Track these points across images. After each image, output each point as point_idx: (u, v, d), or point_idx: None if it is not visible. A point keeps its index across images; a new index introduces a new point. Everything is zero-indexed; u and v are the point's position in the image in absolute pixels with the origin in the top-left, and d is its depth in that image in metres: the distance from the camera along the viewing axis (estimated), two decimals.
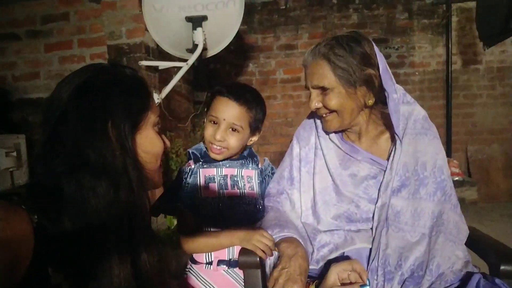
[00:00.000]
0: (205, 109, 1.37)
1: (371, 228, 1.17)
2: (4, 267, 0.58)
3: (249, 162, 1.38)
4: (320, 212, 1.23)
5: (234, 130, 1.27)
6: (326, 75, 1.12)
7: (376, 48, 1.14)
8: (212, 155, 1.30)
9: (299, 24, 4.38)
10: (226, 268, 1.27)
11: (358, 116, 1.18)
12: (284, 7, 4.38)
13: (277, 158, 4.50)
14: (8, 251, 0.59)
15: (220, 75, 4.40)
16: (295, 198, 1.32)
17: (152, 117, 0.85)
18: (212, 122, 1.28)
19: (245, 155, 1.38)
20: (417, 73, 4.42)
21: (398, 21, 4.39)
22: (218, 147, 1.28)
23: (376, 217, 1.14)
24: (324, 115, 1.18)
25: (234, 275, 1.27)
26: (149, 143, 0.84)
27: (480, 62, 4.41)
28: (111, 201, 0.72)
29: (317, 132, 1.31)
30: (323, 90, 1.14)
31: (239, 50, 4.31)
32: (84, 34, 2.75)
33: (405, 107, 1.17)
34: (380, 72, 1.12)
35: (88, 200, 0.70)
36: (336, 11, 4.38)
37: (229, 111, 1.25)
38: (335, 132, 1.28)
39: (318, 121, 1.30)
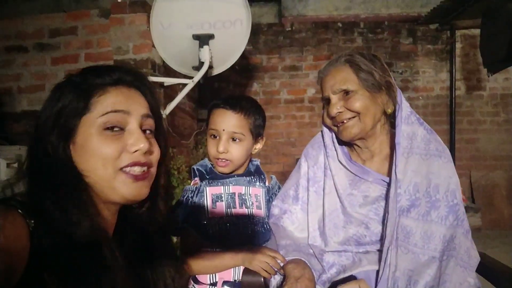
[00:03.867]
0: (206, 127, 1.36)
1: (379, 250, 1.14)
2: None
3: (256, 179, 1.35)
4: (328, 235, 1.20)
5: (235, 139, 1.25)
6: (349, 78, 1.14)
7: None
8: (219, 169, 1.28)
9: (304, 46, 4.42)
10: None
11: (376, 125, 1.17)
12: (289, 29, 4.43)
13: (280, 178, 4.45)
14: (3, 255, 0.58)
15: (224, 93, 4.41)
16: (299, 217, 1.29)
17: (97, 119, 0.76)
18: (213, 136, 1.27)
19: (251, 170, 1.35)
20: (420, 97, 4.44)
21: (402, 46, 4.43)
22: (223, 160, 1.25)
23: (385, 238, 1.11)
24: (345, 121, 1.15)
25: None
26: (90, 149, 0.75)
27: (483, 89, 4.43)
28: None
29: (325, 151, 1.28)
30: (346, 94, 1.14)
31: (244, 69, 4.34)
32: (92, 48, 2.77)
33: (409, 127, 1.15)
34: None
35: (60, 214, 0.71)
36: (341, 34, 4.43)
37: (227, 121, 1.24)
38: (349, 144, 1.25)
39: (327, 141, 1.28)
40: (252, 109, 1.28)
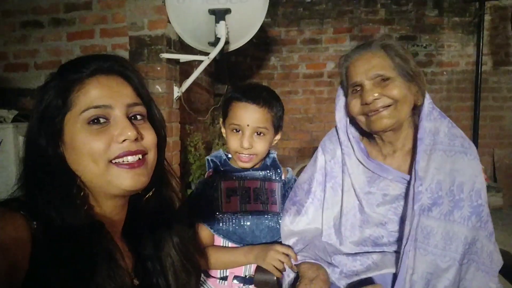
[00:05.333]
0: (221, 117, 1.31)
1: (397, 251, 1.10)
2: (0, 272, 0.57)
3: (272, 173, 1.31)
4: (344, 234, 1.17)
5: (259, 134, 1.22)
6: (386, 64, 1.09)
7: None
8: (242, 164, 1.25)
9: (324, 18, 4.26)
10: (242, 285, 1.21)
11: (407, 116, 1.12)
12: (309, 0, 4.27)
13: (296, 154, 4.44)
14: (4, 257, 0.58)
15: (241, 68, 4.34)
16: (310, 212, 1.24)
17: (80, 116, 0.73)
18: (235, 130, 1.22)
19: (268, 164, 1.32)
20: (445, 72, 4.27)
21: (427, 18, 4.23)
22: (247, 155, 1.22)
23: (404, 237, 1.06)
24: (380, 109, 1.08)
25: None
26: (77, 145, 0.73)
27: (511, 64, 4.23)
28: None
29: (341, 148, 1.22)
30: (383, 80, 1.08)
31: (262, 43, 4.24)
32: (106, 24, 2.72)
33: (431, 123, 1.09)
34: None
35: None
36: (363, 6, 4.25)
37: (251, 116, 1.20)
38: (369, 139, 1.20)
39: (342, 137, 1.22)
40: (273, 101, 1.25)
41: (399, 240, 1.10)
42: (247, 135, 1.20)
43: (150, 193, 0.85)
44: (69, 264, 0.64)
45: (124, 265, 0.77)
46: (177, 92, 2.73)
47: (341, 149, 1.22)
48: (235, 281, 1.22)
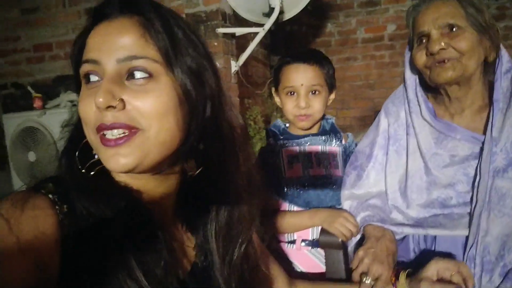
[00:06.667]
0: (273, 86, 1.32)
1: (468, 213, 1.05)
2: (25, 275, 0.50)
3: (332, 138, 1.31)
4: (410, 197, 1.13)
5: (314, 92, 1.24)
6: (457, 13, 1.02)
7: None
8: (300, 124, 1.27)
9: None
10: (310, 248, 1.24)
11: (476, 71, 1.04)
12: None
13: (358, 124, 4.31)
14: (25, 257, 0.51)
15: (297, 37, 4.24)
16: (371, 176, 1.23)
17: (80, 71, 0.62)
18: (289, 93, 1.25)
19: (327, 129, 1.32)
20: None
21: None
22: (304, 115, 1.24)
23: (476, 200, 1.01)
24: (445, 60, 1.02)
25: (318, 255, 1.24)
26: (78, 107, 0.62)
27: None
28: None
29: (409, 107, 1.17)
30: (451, 30, 1.01)
31: (317, 10, 4.09)
32: (162, 2, 2.76)
33: (507, 83, 1.02)
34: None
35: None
36: None
37: (304, 75, 1.22)
38: (436, 97, 1.15)
39: (410, 94, 1.17)
40: (323, 60, 1.27)
41: (470, 201, 1.05)
42: (302, 94, 1.22)
43: (192, 173, 0.70)
44: (99, 250, 0.56)
45: (179, 245, 0.70)
46: (234, 66, 2.75)
47: (409, 108, 1.16)
48: (303, 244, 1.25)
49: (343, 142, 1.34)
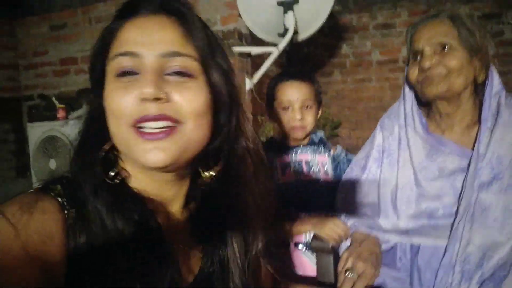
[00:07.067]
0: (268, 105, 1.45)
1: (452, 224, 1.10)
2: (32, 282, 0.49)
3: (321, 148, 1.43)
4: (400, 208, 1.19)
5: (307, 107, 1.36)
6: (450, 33, 1.09)
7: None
8: (295, 135, 1.38)
9: (398, 1, 4.09)
10: (304, 249, 1.32)
11: (464, 90, 1.10)
12: None
13: None
14: (32, 265, 0.50)
15: (313, 57, 4.33)
16: (364, 187, 1.30)
17: (110, 63, 0.61)
18: (285, 108, 1.37)
19: (316, 141, 1.42)
20: None
21: None
22: (300, 126, 1.36)
23: (460, 212, 1.07)
24: (435, 76, 1.08)
25: (312, 257, 1.31)
26: (105, 98, 0.61)
27: None
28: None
29: (405, 120, 1.23)
30: (443, 48, 1.08)
31: (333, 31, 4.19)
32: None
33: (495, 103, 1.09)
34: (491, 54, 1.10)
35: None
36: None
37: (299, 91, 1.35)
38: (429, 111, 1.20)
39: (407, 108, 1.23)
40: (313, 77, 1.43)
41: (455, 213, 1.10)
42: (297, 108, 1.35)
43: (207, 174, 0.71)
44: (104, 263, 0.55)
45: (184, 252, 0.68)
46: (249, 84, 2.83)
47: (404, 121, 1.23)
48: (297, 246, 1.33)
49: (332, 152, 1.45)
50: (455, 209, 1.10)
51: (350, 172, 1.34)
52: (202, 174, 0.71)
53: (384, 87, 4.20)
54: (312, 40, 2.91)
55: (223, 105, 0.67)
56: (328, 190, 1.37)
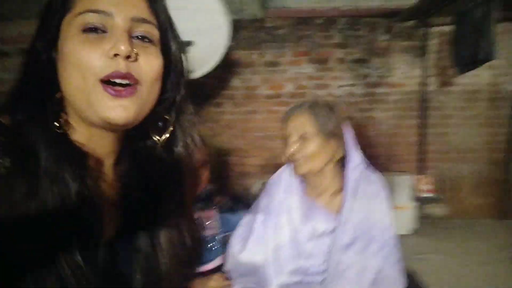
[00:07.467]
0: None
1: (322, 281, 1.32)
2: None
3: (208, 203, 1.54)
4: (279, 266, 1.36)
5: None
6: (308, 123, 1.31)
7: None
8: None
9: (284, 43, 4.51)
10: None
11: (326, 167, 1.34)
12: (270, 25, 4.51)
13: (257, 171, 4.61)
14: None
15: (207, 88, 4.49)
16: (250, 247, 1.44)
17: (75, 19, 0.62)
18: None
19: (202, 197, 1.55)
20: (394, 92, 4.59)
21: (378, 42, 4.55)
22: None
23: (328, 270, 1.28)
24: (298, 160, 1.33)
25: None
26: (67, 53, 0.61)
27: (454, 85, 4.59)
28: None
29: (285, 185, 1.45)
30: (304, 135, 1.31)
31: (226, 65, 4.42)
32: None
33: (355, 175, 1.33)
34: (348, 136, 1.34)
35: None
36: (321, 31, 4.52)
37: None
38: (305, 176, 1.41)
39: (285, 175, 1.45)
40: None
41: (324, 271, 1.32)
42: None
43: (161, 138, 0.74)
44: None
45: (106, 211, 0.69)
46: None
47: (285, 186, 1.44)
48: None
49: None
50: (323, 268, 1.32)
51: (241, 234, 1.49)
52: (155, 138, 0.75)
53: (270, 118, 4.55)
54: (209, 72, 3.10)
55: (176, 72, 0.73)
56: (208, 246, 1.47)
